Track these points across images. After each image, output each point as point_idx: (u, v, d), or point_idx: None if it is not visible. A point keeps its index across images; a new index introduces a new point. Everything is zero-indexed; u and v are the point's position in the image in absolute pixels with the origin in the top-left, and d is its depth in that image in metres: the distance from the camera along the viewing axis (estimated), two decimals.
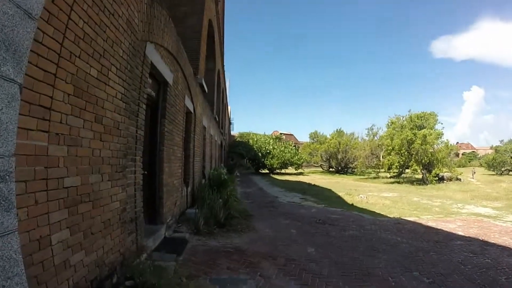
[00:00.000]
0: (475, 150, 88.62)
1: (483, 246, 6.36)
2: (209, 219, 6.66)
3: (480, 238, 7.13)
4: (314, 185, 21.11)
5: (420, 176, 28.50)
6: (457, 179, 27.82)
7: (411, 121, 29.30)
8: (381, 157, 34.34)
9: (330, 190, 17.84)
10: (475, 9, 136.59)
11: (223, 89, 23.93)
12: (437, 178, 26.82)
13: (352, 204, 12.86)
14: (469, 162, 63.79)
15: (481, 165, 48.48)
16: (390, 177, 32.76)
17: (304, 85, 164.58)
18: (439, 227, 8.29)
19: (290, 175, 33.23)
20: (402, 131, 28.89)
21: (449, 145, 29.40)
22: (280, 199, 13.04)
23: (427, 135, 26.74)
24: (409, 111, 30.45)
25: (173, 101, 6.33)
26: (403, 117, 31.67)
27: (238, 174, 26.53)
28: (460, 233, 7.69)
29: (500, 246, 6.37)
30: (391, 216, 10.46)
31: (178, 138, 7.10)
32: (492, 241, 6.69)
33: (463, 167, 40.45)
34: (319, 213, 9.81)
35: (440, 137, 28.58)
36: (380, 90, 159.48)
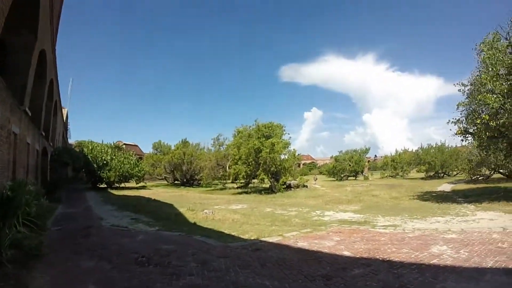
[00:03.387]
0: (314, 161, 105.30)
1: (392, 270, 5.14)
2: None
3: (376, 256, 5.94)
4: (154, 200, 20.15)
5: (267, 185, 29.95)
6: (304, 186, 30.41)
7: (259, 130, 30.47)
8: (227, 167, 35.23)
9: (171, 205, 16.61)
10: (325, 45, 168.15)
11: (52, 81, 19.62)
12: (285, 186, 28.62)
13: (194, 223, 10.76)
14: (310, 171, 76.80)
15: (320, 173, 57.41)
16: (238, 188, 33.52)
17: (152, 94, 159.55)
18: (315, 249, 6.62)
19: (131, 189, 31.94)
20: (249, 140, 29.64)
21: (296, 154, 31.76)
22: (104, 222, 10.95)
23: (275, 143, 27.96)
24: (256, 120, 31.50)
25: None
26: (250, 126, 32.66)
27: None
28: (347, 253, 6.25)
29: (413, 264, 5.43)
30: (246, 237, 8.36)
31: None
32: (396, 259, 5.78)
33: (305, 175, 45.92)
34: (147, 243, 7.43)
35: (288, 147, 30.43)
36: (230, 107, 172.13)
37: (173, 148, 47.63)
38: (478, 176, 29.02)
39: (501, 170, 26.89)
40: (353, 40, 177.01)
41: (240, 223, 10.80)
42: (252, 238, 8.02)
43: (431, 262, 5.51)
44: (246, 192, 28.85)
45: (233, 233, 8.81)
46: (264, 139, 29.08)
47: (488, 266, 5.20)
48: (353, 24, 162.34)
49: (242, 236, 8.33)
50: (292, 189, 28.37)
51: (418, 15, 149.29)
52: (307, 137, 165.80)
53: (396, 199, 18.65)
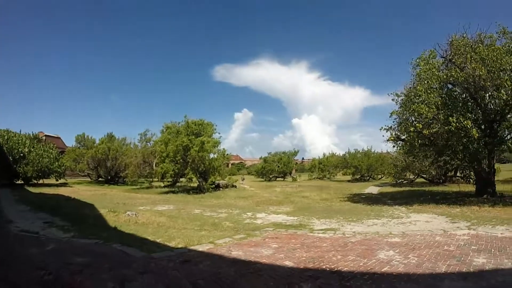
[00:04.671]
0: (243, 161, 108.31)
1: (344, 282, 4.66)
2: None
3: (323, 266, 5.44)
4: (74, 199, 19.01)
5: (195, 185, 29.55)
6: (233, 186, 30.75)
7: (188, 127, 29.54)
8: (154, 165, 34.26)
9: (92, 205, 15.48)
10: (261, 49, 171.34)
11: None
12: (213, 185, 28.54)
13: (115, 228, 9.59)
14: (238, 171, 79.72)
15: (249, 174, 59.07)
16: (165, 187, 32.88)
17: (81, 83, 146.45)
18: (252, 259, 5.94)
19: (50, 186, 30.12)
20: (178, 137, 28.82)
21: (225, 154, 31.66)
22: (13, 226, 9.80)
23: (205, 142, 27.66)
24: (185, 116, 30.45)
25: None
26: (179, 123, 31.63)
27: None
28: (288, 263, 5.67)
29: (365, 274, 5.02)
30: (173, 244, 7.35)
31: None
32: (345, 268, 5.33)
33: (233, 175, 46.27)
34: (57, 255, 6.26)
35: (217, 146, 30.26)
36: (160, 103, 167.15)
37: (97, 142, 45.70)
38: (403, 180, 31.65)
39: (424, 175, 29.94)
40: (288, 47, 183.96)
41: (166, 228, 9.77)
42: (180, 246, 7.07)
43: (383, 270, 5.17)
44: (173, 192, 28.12)
45: (158, 240, 7.77)
46: (193, 136, 28.51)
47: (443, 271, 5.02)
48: (290, 31, 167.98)
49: (168, 244, 7.34)
50: (221, 189, 28.31)
51: (353, 31, 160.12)
52: (237, 137, 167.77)
53: (327, 201, 19.06)
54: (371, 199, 18.89)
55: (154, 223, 10.55)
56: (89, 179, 44.24)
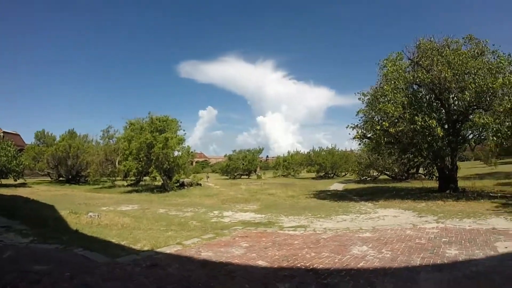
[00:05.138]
0: (207, 159, 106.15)
1: (321, 281, 4.65)
2: None
3: (298, 264, 5.36)
4: (33, 200, 18.13)
5: (160, 183, 28.91)
6: (198, 184, 30.13)
7: (152, 123, 28.78)
8: (117, 163, 33.03)
9: (52, 207, 14.65)
10: (227, 46, 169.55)
11: None
12: (178, 184, 27.94)
13: (77, 231, 8.96)
14: (203, 169, 77.18)
15: (213, 171, 59.23)
16: (128, 186, 32.04)
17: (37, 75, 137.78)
18: (223, 260, 5.75)
19: (8, 187, 29.17)
20: (141, 134, 27.98)
21: (190, 151, 31.14)
22: None
23: (169, 138, 27.05)
24: (150, 112, 29.77)
25: None
26: (143, 119, 30.84)
27: None
28: (262, 262, 5.57)
29: (341, 270, 5.02)
30: (138, 247, 6.99)
31: None
32: (320, 266, 5.32)
33: (197, 173, 45.27)
34: (15, 263, 5.71)
35: (182, 143, 29.61)
36: (125, 100, 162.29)
37: (58, 139, 43.63)
38: (367, 177, 32.55)
39: (387, 172, 30.97)
40: (256, 46, 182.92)
41: (131, 229, 9.30)
42: (146, 248, 6.72)
43: (359, 266, 5.19)
44: (137, 191, 27.46)
45: (122, 243, 7.35)
46: (157, 133, 27.83)
47: (418, 264, 5.13)
48: (258, 30, 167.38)
49: (133, 247, 6.95)
50: (186, 187, 27.78)
51: (320, 32, 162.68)
52: (201, 135, 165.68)
53: (293, 198, 19.13)
54: (337, 196, 19.21)
55: (118, 225, 10.04)
56: (49, 179, 42.33)
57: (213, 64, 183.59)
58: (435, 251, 5.84)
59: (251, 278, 4.71)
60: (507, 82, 12.81)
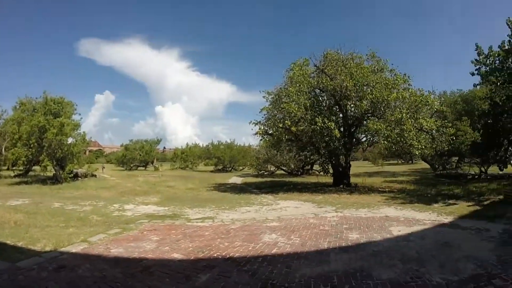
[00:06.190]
0: (101, 148, 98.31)
1: (241, 268, 4.85)
2: None
3: (214, 255, 5.49)
4: None
5: (51, 174, 25.88)
6: (93, 175, 27.98)
7: (46, 104, 25.36)
8: (3, 150, 28.88)
9: None
10: (133, 28, 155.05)
11: None
12: (72, 175, 25.18)
13: None
14: (97, 158, 71.29)
15: (108, 162, 55.70)
16: (15, 176, 28.23)
17: None
18: (136, 255, 5.49)
19: None
20: (33, 116, 24.51)
21: (85, 138, 27.74)
22: None
23: (65, 124, 23.94)
24: (44, 92, 26.29)
25: None
26: (37, 98, 27.17)
27: None
28: (177, 255, 5.50)
29: (258, 257, 5.31)
30: (39, 247, 6.09)
31: None
32: (236, 254, 5.53)
33: (91, 163, 41.32)
34: None
35: (78, 129, 26.46)
36: (17, 76, 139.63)
37: None
38: (264, 172, 34.11)
39: (284, 168, 32.89)
40: (163, 32, 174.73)
41: (26, 226, 8.08)
42: (48, 249, 5.93)
43: (273, 252, 5.52)
44: (27, 183, 24.28)
45: (19, 244, 6.35)
46: (51, 116, 24.73)
47: (326, 247, 5.68)
48: (167, 15, 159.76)
49: (33, 248, 6.05)
50: (80, 178, 25.64)
51: (229, 28, 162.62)
52: (96, 121, 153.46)
53: (193, 190, 19.15)
54: (237, 189, 19.75)
55: (10, 222, 8.65)
56: None
57: (115, 45, 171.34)
58: (338, 235, 6.53)
59: (170, 271, 4.62)
60: (400, 97, 15.29)
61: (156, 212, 11.02)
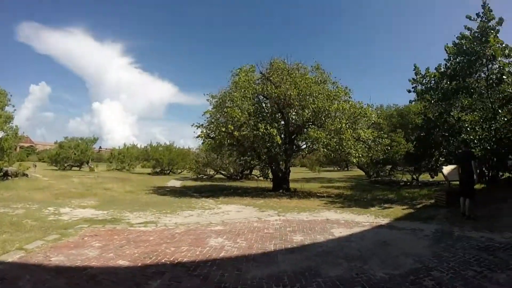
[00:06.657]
0: (33, 145, 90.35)
1: (192, 273, 4.88)
2: None
3: (162, 260, 5.44)
4: None
5: None
6: (24, 174, 25.35)
7: None
8: None
9: None
10: (77, 15, 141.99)
11: None
12: (1, 174, 22.92)
13: None
14: (28, 156, 65.29)
15: (40, 160, 51.50)
16: None
17: None
18: (79, 263, 5.22)
19: None
20: None
21: (18, 133, 25.26)
22: None
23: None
24: None
25: None
26: None
27: None
28: (123, 262, 5.35)
29: (207, 261, 5.42)
30: None
31: None
32: (185, 259, 5.54)
33: (22, 161, 37.96)
34: None
35: (10, 122, 24.09)
36: None
37: None
38: (203, 175, 34.05)
39: (223, 172, 33.14)
40: (108, 23, 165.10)
41: None
42: None
43: (221, 255, 5.66)
44: None
45: None
46: None
47: (272, 249, 5.98)
48: (116, 6, 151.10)
49: None
50: (10, 178, 23.43)
51: (176, 27, 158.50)
52: (29, 115, 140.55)
53: (132, 193, 18.57)
54: (177, 192, 19.48)
55: None
56: None
57: (56, 32, 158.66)
58: (283, 238, 6.87)
59: (119, 280, 4.50)
60: (341, 108, 16.36)
61: (95, 216, 10.46)
